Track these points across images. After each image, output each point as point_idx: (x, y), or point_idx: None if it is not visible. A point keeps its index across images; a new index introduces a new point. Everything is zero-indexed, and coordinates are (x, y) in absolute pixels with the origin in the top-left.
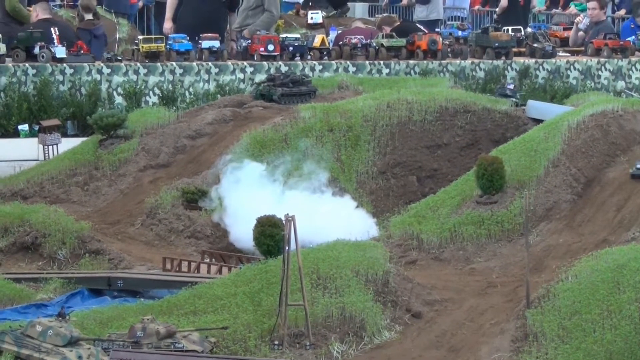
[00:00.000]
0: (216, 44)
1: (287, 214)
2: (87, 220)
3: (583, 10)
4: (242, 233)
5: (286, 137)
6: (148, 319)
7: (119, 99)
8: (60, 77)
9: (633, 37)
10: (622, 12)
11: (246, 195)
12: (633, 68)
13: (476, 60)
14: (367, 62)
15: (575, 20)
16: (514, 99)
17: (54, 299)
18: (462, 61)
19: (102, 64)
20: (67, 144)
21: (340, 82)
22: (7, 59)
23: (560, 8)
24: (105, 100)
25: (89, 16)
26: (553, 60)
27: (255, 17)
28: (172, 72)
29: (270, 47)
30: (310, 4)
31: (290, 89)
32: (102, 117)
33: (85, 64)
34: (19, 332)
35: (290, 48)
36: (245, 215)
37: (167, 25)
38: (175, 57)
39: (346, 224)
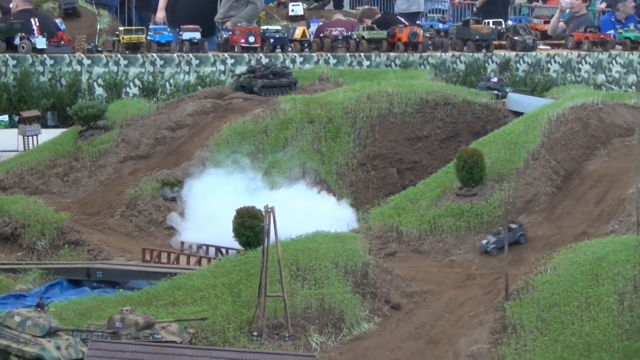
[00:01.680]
0: (197, 35)
1: (267, 206)
2: (66, 211)
3: None
4: (193, 234)
5: (266, 129)
6: (127, 310)
7: (99, 90)
8: (40, 68)
9: (613, 30)
10: (603, 5)
11: (209, 200)
12: (613, 61)
13: (457, 53)
14: (348, 54)
15: (560, 2)
16: (498, 92)
17: (32, 290)
18: (443, 54)
19: (82, 55)
20: (47, 134)
21: (320, 74)
22: None
23: (540, 1)
24: (85, 91)
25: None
26: (534, 53)
27: (239, 9)
28: (153, 63)
29: (251, 39)
30: None
31: (271, 81)
32: (82, 108)
33: (66, 55)
34: None
35: (271, 40)
36: (207, 217)
37: (160, 14)
38: (156, 49)
39: (326, 216)
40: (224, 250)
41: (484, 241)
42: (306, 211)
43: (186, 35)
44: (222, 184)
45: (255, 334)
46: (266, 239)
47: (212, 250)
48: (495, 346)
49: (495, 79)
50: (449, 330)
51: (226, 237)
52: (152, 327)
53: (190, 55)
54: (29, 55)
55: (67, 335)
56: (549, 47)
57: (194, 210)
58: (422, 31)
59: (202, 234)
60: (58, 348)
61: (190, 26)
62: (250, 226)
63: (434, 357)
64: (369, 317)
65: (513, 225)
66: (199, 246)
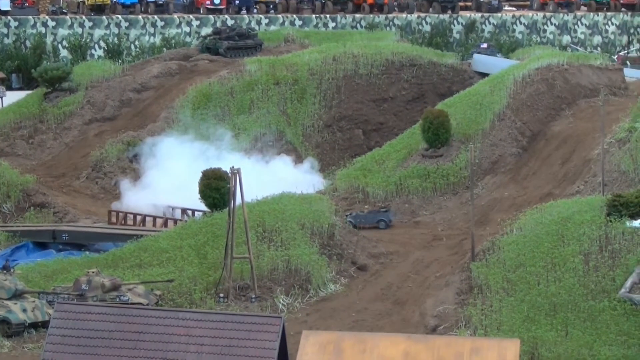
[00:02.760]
0: None
1: (233, 167)
2: (32, 173)
3: None
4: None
5: (232, 91)
6: (93, 272)
7: (64, 52)
8: (4, 30)
9: None
10: None
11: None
12: (578, 22)
13: (422, 14)
14: (314, 15)
15: None
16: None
17: None
18: (409, 15)
19: (47, 17)
20: (12, 97)
21: (286, 36)
22: None
23: None
24: (50, 54)
25: None
26: (499, 14)
27: None
28: (118, 25)
29: (217, 0)
30: None
31: (236, 43)
32: (47, 70)
33: (30, 17)
34: None
35: (237, 1)
36: (170, 179)
37: None
38: (121, 10)
39: (291, 177)
40: (189, 212)
41: (353, 212)
42: (272, 173)
43: None
44: (186, 146)
45: (221, 295)
46: (232, 201)
47: (178, 212)
48: (461, 307)
49: (484, 45)
50: (415, 291)
51: (190, 200)
52: (119, 289)
53: (156, 17)
54: None
55: (33, 297)
56: (514, 8)
57: (154, 172)
58: None
59: (163, 197)
60: (24, 310)
61: None
62: (216, 187)
63: (401, 318)
64: (335, 278)
65: (383, 209)
66: (170, 208)
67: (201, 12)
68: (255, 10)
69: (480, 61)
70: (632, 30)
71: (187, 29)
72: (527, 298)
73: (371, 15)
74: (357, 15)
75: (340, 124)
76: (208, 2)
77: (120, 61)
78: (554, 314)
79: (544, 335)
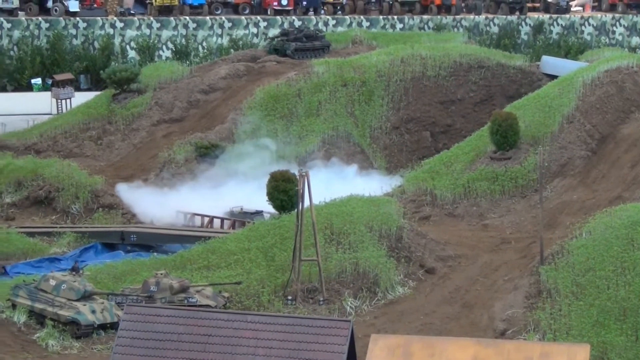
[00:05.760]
0: None
1: (301, 169)
2: (100, 174)
3: None
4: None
5: (300, 92)
6: (161, 274)
7: (132, 53)
8: (73, 31)
9: None
10: None
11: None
12: None
13: (490, 16)
14: (381, 17)
15: None
16: None
17: (67, 253)
18: (476, 16)
19: (115, 18)
20: (80, 98)
21: (354, 37)
22: (20, 12)
23: None
24: (118, 55)
25: None
26: (567, 15)
27: None
28: (186, 26)
29: (284, 2)
30: None
31: (304, 44)
32: (116, 71)
33: (99, 18)
34: (33, 286)
35: (304, 2)
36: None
37: None
38: (189, 12)
39: (359, 179)
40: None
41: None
42: (339, 175)
43: None
44: (254, 147)
45: (289, 298)
46: (300, 203)
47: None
48: (530, 310)
49: None
50: (484, 295)
51: (256, 203)
52: (187, 291)
53: (223, 17)
54: (61, 18)
55: (102, 298)
56: (582, 9)
57: (220, 175)
58: None
59: (228, 200)
60: (93, 312)
61: None
62: (284, 190)
63: (469, 321)
64: (403, 281)
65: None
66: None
67: (268, 13)
68: (322, 12)
69: (549, 63)
70: None
71: (255, 30)
72: (596, 302)
73: (439, 17)
74: (425, 17)
75: (407, 126)
76: (275, 3)
77: (187, 62)
78: (624, 318)
79: (613, 340)
